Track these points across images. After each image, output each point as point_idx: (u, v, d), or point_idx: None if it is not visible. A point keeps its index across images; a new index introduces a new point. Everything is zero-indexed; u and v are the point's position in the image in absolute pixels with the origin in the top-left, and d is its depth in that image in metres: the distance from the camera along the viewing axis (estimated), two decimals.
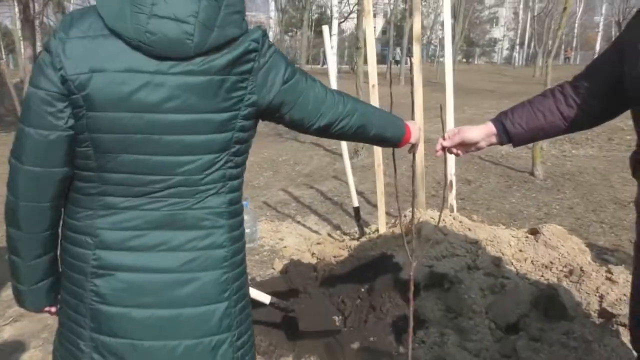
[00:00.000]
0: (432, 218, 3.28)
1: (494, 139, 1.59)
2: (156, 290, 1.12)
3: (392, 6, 21.48)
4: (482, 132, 1.59)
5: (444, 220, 3.27)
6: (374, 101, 3.58)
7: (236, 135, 1.14)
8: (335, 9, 10.06)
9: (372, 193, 5.43)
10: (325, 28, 3.56)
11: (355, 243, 3.66)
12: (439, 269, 2.84)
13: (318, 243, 4.18)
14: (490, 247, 3.00)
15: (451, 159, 3.60)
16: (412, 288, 2.11)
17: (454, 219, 3.30)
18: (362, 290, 3.12)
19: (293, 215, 5.08)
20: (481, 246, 2.99)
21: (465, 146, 1.63)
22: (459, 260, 2.88)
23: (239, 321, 1.21)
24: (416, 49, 3.46)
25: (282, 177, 6.51)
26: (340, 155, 4.20)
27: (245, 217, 4.20)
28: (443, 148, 1.67)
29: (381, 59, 28.85)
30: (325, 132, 1.32)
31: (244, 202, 4.34)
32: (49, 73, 1.04)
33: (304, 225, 4.75)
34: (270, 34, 12.77)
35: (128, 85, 1.04)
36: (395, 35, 24.35)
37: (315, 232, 4.56)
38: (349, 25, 31.38)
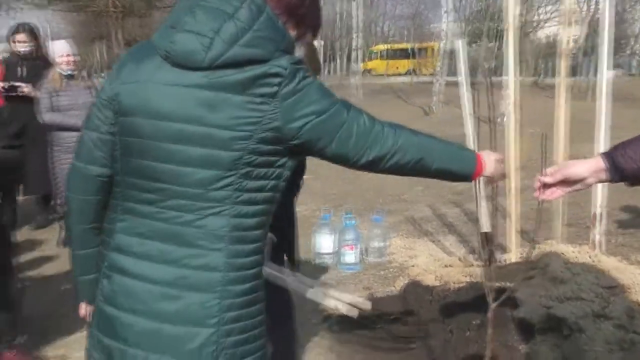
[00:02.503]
0: (562, 253, 2.95)
1: (603, 175, 1.40)
2: (146, 300, 1.17)
3: (591, 13, 19.63)
4: (589, 167, 1.41)
5: (577, 257, 2.91)
6: (513, 119, 3.32)
7: (247, 157, 1.15)
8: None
9: (522, 218, 5.04)
10: (459, 42, 3.41)
11: (480, 270, 3.45)
12: (558, 311, 2.55)
13: (446, 266, 4.02)
14: (628, 294, 2.60)
15: (602, 187, 3.20)
16: (490, 332, 1.95)
17: (590, 257, 2.93)
18: (474, 323, 2.94)
19: (432, 233, 4.94)
20: (616, 292, 2.61)
21: (569, 183, 1.45)
22: (583, 305, 2.54)
23: (228, 356, 1.17)
24: (563, 66, 3.14)
25: (432, 192, 6.34)
26: None
27: (377, 231, 4.21)
28: (542, 185, 1.50)
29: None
30: (376, 167, 1.26)
31: (375, 217, 4.36)
32: (106, 85, 1.25)
33: (439, 245, 4.59)
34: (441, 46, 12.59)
35: (148, 93, 1.17)
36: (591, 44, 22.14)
37: (449, 253, 4.38)
38: (543, 33, 29.27)
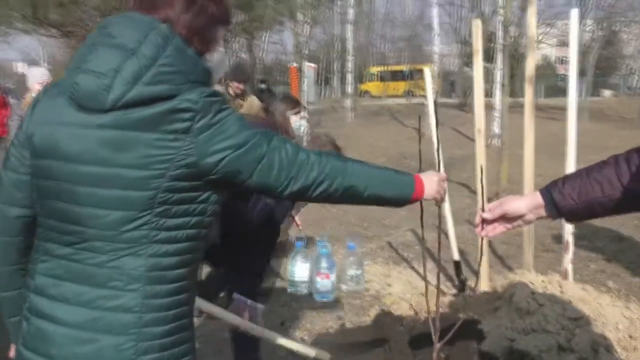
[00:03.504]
0: (531, 283, 2.87)
1: (542, 212, 1.36)
2: (60, 344, 1.13)
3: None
4: (527, 203, 1.37)
5: (545, 287, 2.84)
6: (480, 147, 3.29)
7: (162, 196, 1.10)
8: (500, 41, 9.55)
9: (501, 243, 4.97)
10: (426, 70, 3.39)
11: (450, 299, 3.37)
12: (521, 345, 2.47)
13: (422, 294, 3.94)
14: (594, 326, 2.52)
15: None
16: None
17: (560, 286, 2.85)
18: (442, 355, 2.85)
19: (411, 259, 4.85)
20: (581, 324, 2.53)
21: (509, 219, 1.41)
22: (548, 338, 2.47)
23: None
24: (528, 92, 3.11)
25: (415, 216, 6.19)
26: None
27: (351, 258, 4.13)
28: (482, 221, 1.45)
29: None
30: (303, 196, 1.23)
31: (350, 244, 4.29)
32: (23, 124, 1.21)
33: (417, 272, 4.51)
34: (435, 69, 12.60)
35: (57, 136, 1.14)
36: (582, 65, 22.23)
37: (427, 281, 4.29)
38: (538, 54, 29.43)
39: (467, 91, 23.61)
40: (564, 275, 3.06)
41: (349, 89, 16.58)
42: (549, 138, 8.16)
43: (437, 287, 1.70)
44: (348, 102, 16.39)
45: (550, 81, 32.40)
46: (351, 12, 14.66)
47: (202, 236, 1.21)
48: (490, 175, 7.99)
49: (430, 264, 4.68)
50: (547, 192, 1.34)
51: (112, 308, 1.11)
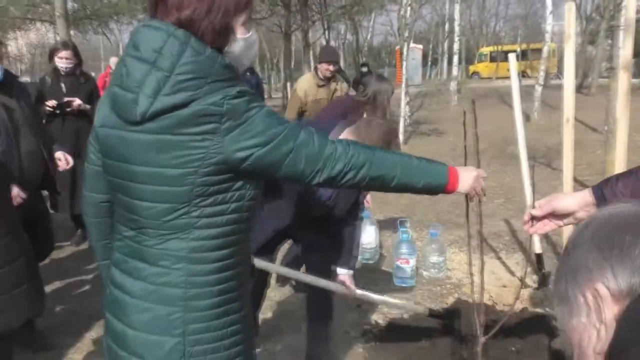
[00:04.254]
0: None
1: (592, 210, 1.34)
2: (126, 311, 1.33)
3: None
4: (577, 200, 1.37)
5: None
6: (567, 137, 3.13)
7: (198, 189, 1.23)
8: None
9: None
10: (511, 56, 3.25)
11: (530, 293, 3.27)
12: None
13: (504, 286, 3.85)
14: None
15: None
16: None
17: None
18: (512, 349, 2.81)
19: (499, 250, 4.72)
20: None
21: (559, 217, 1.40)
22: None
23: None
24: (623, 79, 2.90)
25: (512, 206, 6.04)
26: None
27: (433, 245, 4.12)
28: (532, 218, 1.45)
29: None
30: (330, 185, 1.34)
31: (432, 232, 4.26)
32: (94, 120, 1.39)
33: (503, 263, 4.39)
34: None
35: (112, 139, 1.30)
36: None
37: (511, 272, 4.18)
38: None
39: (588, 72, 21.96)
40: None
41: (455, 70, 16.09)
42: None
43: (481, 280, 1.70)
44: (453, 85, 15.92)
45: None
46: None
47: (245, 219, 1.33)
48: (598, 165, 7.46)
49: (520, 256, 4.54)
50: (598, 189, 1.32)
51: (163, 283, 1.29)
